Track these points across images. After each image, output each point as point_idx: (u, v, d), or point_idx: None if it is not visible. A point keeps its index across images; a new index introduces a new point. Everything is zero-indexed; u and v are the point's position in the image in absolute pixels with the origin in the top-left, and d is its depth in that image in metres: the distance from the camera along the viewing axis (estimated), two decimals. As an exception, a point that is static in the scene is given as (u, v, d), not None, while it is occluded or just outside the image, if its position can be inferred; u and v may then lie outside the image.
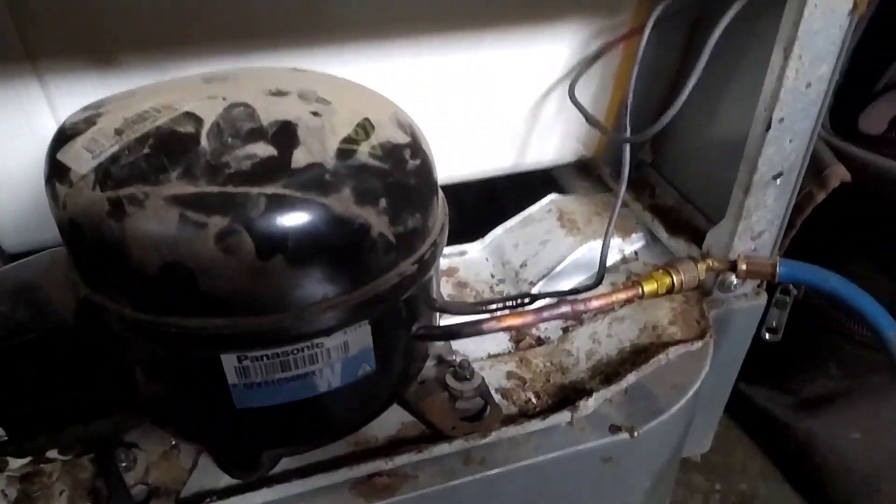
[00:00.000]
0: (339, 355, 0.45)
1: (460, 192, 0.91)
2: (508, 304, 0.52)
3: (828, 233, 0.71)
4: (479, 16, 0.67)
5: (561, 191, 0.85)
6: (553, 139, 0.80)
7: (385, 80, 0.67)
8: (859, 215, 0.69)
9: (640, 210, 0.76)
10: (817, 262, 0.63)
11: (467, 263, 0.78)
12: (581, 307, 0.50)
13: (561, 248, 0.73)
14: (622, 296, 0.51)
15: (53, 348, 0.46)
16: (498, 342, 0.67)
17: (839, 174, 0.64)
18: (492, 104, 0.74)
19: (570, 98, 0.70)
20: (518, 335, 0.67)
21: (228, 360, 0.43)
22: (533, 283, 0.72)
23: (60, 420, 0.49)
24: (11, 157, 0.61)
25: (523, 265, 0.74)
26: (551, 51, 0.72)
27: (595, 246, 0.71)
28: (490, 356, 0.65)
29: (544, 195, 0.82)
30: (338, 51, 0.64)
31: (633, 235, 0.75)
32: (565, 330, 0.67)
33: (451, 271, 0.76)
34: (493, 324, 0.49)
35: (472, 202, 0.97)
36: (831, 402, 0.76)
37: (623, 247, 0.75)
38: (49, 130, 0.46)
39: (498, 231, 0.80)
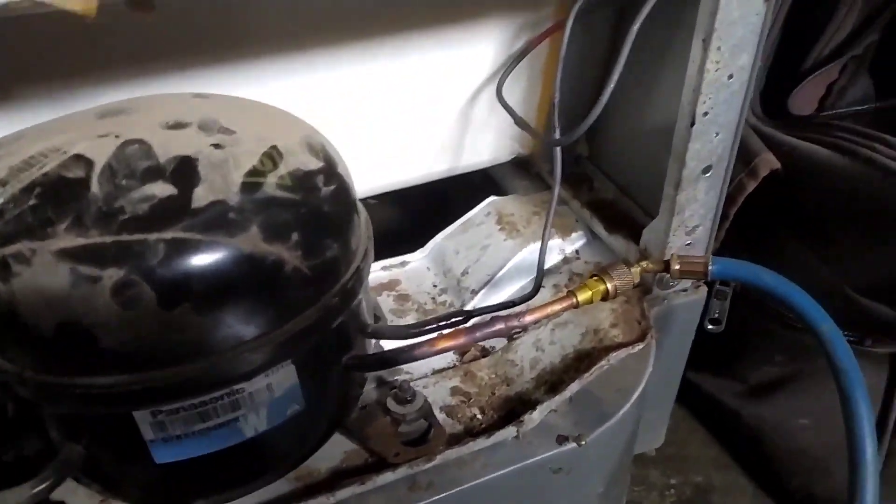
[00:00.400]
0: (263, 399, 0.43)
1: (402, 199, 0.89)
2: (442, 324, 0.51)
3: (762, 221, 0.71)
4: (399, 21, 0.65)
5: (501, 191, 0.84)
6: (487, 139, 0.78)
7: (306, 95, 0.65)
8: (790, 201, 0.69)
9: (579, 207, 0.75)
10: (753, 250, 0.63)
11: (409, 274, 0.76)
12: (514, 323, 0.48)
13: (501, 253, 0.72)
14: (556, 307, 0.50)
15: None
16: (442, 356, 0.65)
17: (768, 162, 0.63)
18: (422, 109, 0.72)
19: (498, 98, 0.68)
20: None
21: (142, 417, 0.40)
22: (475, 292, 0.71)
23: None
24: None
25: (465, 273, 0.73)
26: (477, 51, 0.70)
27: (536, 248, 0.70)
28: (434, 372, 0.64)
29: (489, 194, 0.81)
30: (251, 69, 0.61)
31: (574, 234, 0.74)
32: (510, 338, 0.66)
33: (392, 284, 0.75)
34: (425, 349, 0.47)
35: (418, 207, 0.95)
36: (778, 389, 0.77)
37: (564, 246, 0.73)
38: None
39: (438, 238, 0.78)
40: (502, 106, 0.68)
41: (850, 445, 0.45)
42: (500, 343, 0.65)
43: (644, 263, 0.54)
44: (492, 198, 0.79)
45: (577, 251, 0.73)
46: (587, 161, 0.80)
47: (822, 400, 0.72)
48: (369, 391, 0.57)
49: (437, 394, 0.60)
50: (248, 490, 0.50)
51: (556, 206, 0.74)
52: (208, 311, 0.38)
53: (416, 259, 0.77)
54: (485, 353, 0.65)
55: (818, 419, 0.73)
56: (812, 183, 0.66)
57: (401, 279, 0.75)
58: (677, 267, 0.52)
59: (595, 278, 0.52)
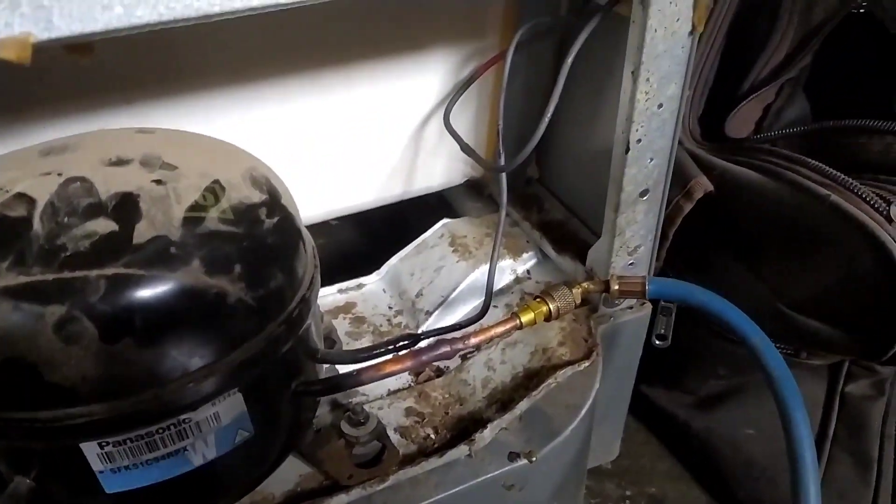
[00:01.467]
0: (210, 427, 0.44)
1: (360, 222, 0.91)
2: (390, 348, 0.52)
3: (701, 241, 0.73)
4: (348, 54, 0.67)
5: (455, 213, 0.86)
6: (439, 164, 0.80)
7: (260, 127, 0.66)
8: (725, 221, 0.71)
9: (530, 228, 0.77)
10: (694, 269, 0.65)
11: (365, 297, 0.77)
12: (460, 346, 0.50)
13: (454, 275, 0.74)
14: (500, 329, 0.52)
15: None
16: (398, 377, 0.66)
17: (702, 185, 0.66)
18: (373, 138, 0.74)
19: (446, 125, 0.70)
20: (416, 369, 0.67)
21: (89, 448, 0.41)
22: (429, 313, 0.72)
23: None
24: None
25: (419, 294, 0.74)
26: (424, 80, 0.72)
27: (487, 269, 0.72)
28: (390, 393, 0.65)
29: (444, 216, 0.82)
30: (199, 103, 0.62)
31: (525, 255, 0.76)
32: (464, 357, 0.67)
33: (348, 307, 0.76)
34: (372, 373, 0.48)
35: (375, 229, 0.97)
36: (724, 401, 0.79)
37: (515, 267, 0.75)
38: None
39: (394, 260, 0.79)
40: (449, 133, 0.70)
41: (790, 449, 0.46)
42: (454, 363, 0.67)
43: (585, 284, 0.56)
44: (445, 220, 0.81)
45: (528, 271, 0.75)
46: (538, 183, 0.82)
47: (764, 409, 0.75)
48: (324, 414, 0.58)
49: (392, 415, 0.61)
50: (200, 518, 0.51)
51: (508, 228, 0.76)
52: (151, 343, 0.39)
53: (372, 281, 0.78)
54: (439, 372, 0.67)
55: (762, 428, 0.76)
56: (743, 204, 0.68)
57: (357, 302, 0.76)
58: (616, 287, 0.54)
59: (538, 300, 0.54)
